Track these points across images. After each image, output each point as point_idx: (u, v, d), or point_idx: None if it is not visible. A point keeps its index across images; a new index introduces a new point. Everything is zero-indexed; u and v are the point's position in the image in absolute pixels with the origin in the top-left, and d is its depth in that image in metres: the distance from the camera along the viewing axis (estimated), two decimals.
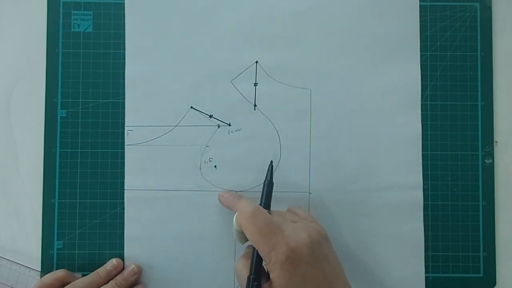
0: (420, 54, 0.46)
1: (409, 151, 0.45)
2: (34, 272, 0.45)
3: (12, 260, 0.45)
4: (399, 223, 0.45)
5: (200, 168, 0.45)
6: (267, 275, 0.36)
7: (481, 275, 0.45)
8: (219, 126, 0.45)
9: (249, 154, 0.45)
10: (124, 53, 0.45)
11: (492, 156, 0.46)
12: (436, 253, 0.45)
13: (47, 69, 0.46)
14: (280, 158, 0.45)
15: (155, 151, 0.45)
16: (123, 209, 0.45)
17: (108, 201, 0.45)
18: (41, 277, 0.44)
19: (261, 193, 0.41)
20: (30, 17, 0.46)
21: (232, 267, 0.44)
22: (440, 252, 0.45)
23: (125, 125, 0.45)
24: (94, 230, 0.45)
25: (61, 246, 0.45)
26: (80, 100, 0.46)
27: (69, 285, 0.41)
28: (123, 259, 0.44)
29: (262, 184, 0.41)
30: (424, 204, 0.45)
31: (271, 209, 0.40)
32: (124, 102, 0.45)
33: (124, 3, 0.46)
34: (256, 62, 0.45)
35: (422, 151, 0.45)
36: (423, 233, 0.45)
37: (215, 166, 0.45)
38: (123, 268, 0.44)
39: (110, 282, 0.43)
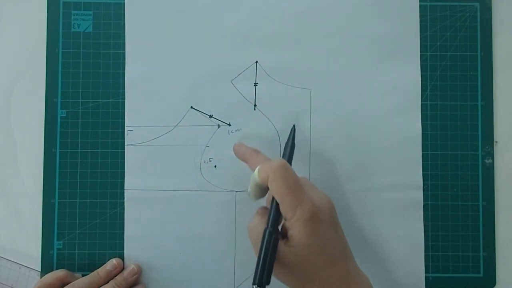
0: (420, 54, 0.46)
1: (409, 151, 0.45)
2: (34, 272, 0.45)
3: (12, 260, 0.45)
4: (399, 223, 0.45)
5: (200, 168, 0.45)
6: (282, 234, 0.36)
7: (481, 275, 0.45)
8: (219, 126, 0.45)
9: None
10: (124, 53, 0.45)
11: (492, 156, 0.46)
12: (436, 253, 0.45)
13: (47, 69, 0.46)
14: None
15: (155, 151, 0.45)
16: (123, 209, 0.45)
17: (108, 201, 0.45)
18: (41, 277, 0.44)
19: (282, 153, 0.41)
20: (30, 17, 0.46)
21: (232, 267, 0.44)
22: (440, 252, 0.45)
23: (125, 125, 0.45)
24: (94, 230, 0.45)
25: (61, 246, 0.45)
26: (80, 100, 0.46)
27: (69, 285, 0.41)
28: (123, 259, 0.44)
29: (284, 146, 0.41)
30: (424, 204, 0.45)
31: None
32: (124, 102, 0.45)
33: (124, 3, 0.46)
34: (256, 62, 0.45)
35: (422, 151, 0.45)
36: (423, 233, 0.45)
37: (215, 166, 0.45)
38: (123, 268, 0.44)
39: (110, 282, 0.43)
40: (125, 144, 0.45)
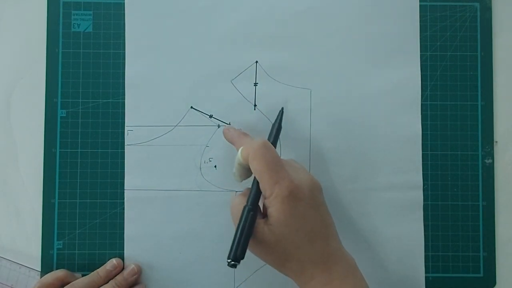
0: (420, 54, 0.46)
1: (409, 151, 0.45)
2: (34, 272, 0.45)
3: (12, 260, 0.45)
4: (399, 223, 0.45)
5: (200, 168, 0.45)
6: (263, 214, 0.36)
7: (481, 275, 0.45)
8: (219, 126, 0.45)
9: None
10: (124, 53, 0.45)
11: (492, 156, 0.46)
12: (436, 253, 0.45)
13: (47, 69, 0.46)
14: None
15: (155, 151, 0.45)
16: (123, 209, 0.45)
17: (108, 201, 0.45)
18: (41, 277, 0.44)
19: (269, 134, 0.41)
20: (30, 17, 0.46)
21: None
22: (440, 252, 0.45)
23: (125, 125, 0.45)
24: (94, 230, 0.45)
25: (61, 246, 0.45)
26: (80, 100, 0.46)
27: (69, 285, 0.41)
28: (123, 259, 0.44)
29: (271, 127, 0.42)
30: (424, 204, 0.45)
31: None
32: (124, 102, 0.45)
33: (124, 3, 0.46)
34: (256, 62, 0.45)
35: (422, 151, 0.45)
36: (423, 233, 0.45)
37: (215, 166, 0.45)
38: (123, 268, 0.44)
39: (110, 282, 0.43)
40: (125, 144, 0.45)
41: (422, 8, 0.46)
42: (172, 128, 0.45)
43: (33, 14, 0.46)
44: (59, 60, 0.46)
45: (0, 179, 0.46)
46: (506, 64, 0.46)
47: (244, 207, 0.36)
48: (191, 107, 0.45)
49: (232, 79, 0.45)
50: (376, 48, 0.46)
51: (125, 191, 0.45)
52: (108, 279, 0.43)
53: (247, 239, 0.35)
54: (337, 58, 0.46)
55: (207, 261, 0.44)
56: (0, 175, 0.46)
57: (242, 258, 0.34)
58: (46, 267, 0.45)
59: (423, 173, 0.45)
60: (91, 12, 0.46)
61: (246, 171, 0.39)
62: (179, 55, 0.45)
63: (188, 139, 0.45)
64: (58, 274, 0.43)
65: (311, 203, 0.36)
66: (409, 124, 0.45)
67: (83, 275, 0.43)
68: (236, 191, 0.44)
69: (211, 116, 0.45)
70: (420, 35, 0.46)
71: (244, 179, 0.40)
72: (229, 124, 0.45)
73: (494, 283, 0.45)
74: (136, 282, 0.44)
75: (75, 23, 0.46)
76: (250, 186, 0.39)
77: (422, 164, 0.45)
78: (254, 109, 0.45)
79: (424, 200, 0.45)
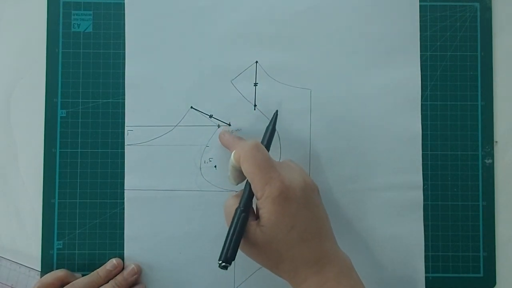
0: (420, 54, 0.46)
1: (409, 151, 0.45)
2: (34, 272, 0.45)
3: (12, 260, 0.45)
4: (399, 223, 0.45)
5: (200, 168, 0.45)
6: (255, 216, 0.36)
7: (481, 275, 0.45)
8: (219, 126, 0.45)
9: None
10: (124, 53, 0.45)
11: (492, 156, 0.46)
12: (436, 253, 0.45)
13: (47, 69, 0.46)
14: (280, 158, 0.45)
15: (155, 151, 0.45)
16: (123, 209, 0.45)
17: (108, 201, 0.45)
18: (41, 277, 0.44)
19: (262, 136, 0.41)
20: (30, 17, 0.46)
21: (232, 267, 0.44)
22: (440, 252, 0.45)
23: (125, 125, 0.45)
24: (94, 230, 0.45)
25: (61, 246, 0.45)
26: (80, 100, 0.46)
27: (69, 285, 0.41)
28: (123, 259, 0.44)
29: (265, 129, 0.42)
30: (424, 204, 0.45)
31: None
32: (124, 102, 0.45)
33: (124, 3, 0.46)
34: (256, 62, 0.45)
35: (422, 151, 0.45)
36: (423, 233, 0.45)
37: (215, 166, 0.45)
38: (123, 268, 0.44)
39: (110, 282, 0.43)
40: (125, 144, 0.45)
41: (422, 8, 0.46)
42: (172, 128, 0.45)
43: (33, 14, 0.46)
44: (59, 60, 0.46)
45: (0, 179, 0.46)
46: (506, 64, 0.46)
47: (236, 209, 0.36)
48: (191, 107, 0.45)
49: (232, 79, 0.45)
50: (376, 48, 0.46)
51: (125, 191, 0.45)
52: (108, 279, 0.43)
53: (238, 241, 0.35)
54: (337, 58, 0.46)
55: (207, 261, 0.44)
56: (0, 175, 0.46)
57: (233, 259, 0.35)
58: (46, 267, 0.45)
59: (423, 173, 0.45)
60: (91, 12, 0.46)
61: (240, 174, 0.38)
62: (179, 55, 0.45)
63: (188, 139, 0.45)
64: (58, 274, 0.43)
65: (303, 202, 0.36)
66: (409, 124, 0.45)
67: (83, 275, 0.43)
68: (236, 191, 0.44)
69: (211, 116, 0.45)
70: (420, 35, 0.46)
71: (239, 182, 0.40)
72: (229, 124, 0.45)
73: (494, 283, 0.45)
74: (136, 282, 0.44)
75: (75, 23, 0.46)
76: None
77: (422, 164, 0.45)
78: (254, 109, 0.45)
79: (424, 200, 0.45)
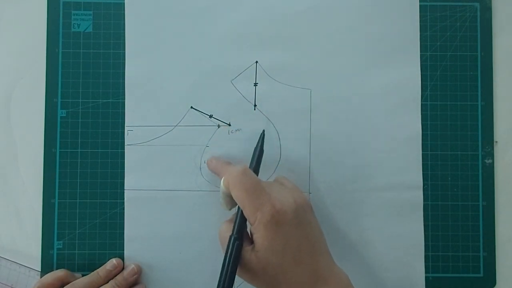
0: (420, 54, 0.46)
1: (409, 151, 0.45)
2: (34, 272, 0.45)
3: (12, 260, 0.45)
4: (399, 223, 0.45)
5: (200, 168, 0.45)
6: (250, 240, 0.36)
7: (481, 275, 0.45)
8: (219, 126, 0.45)
9: (249, 154, 0.45)
10: (124, 53, 0.45)
11: (492, 156, 0.46)
12: (436, 253, 0.45)
13: (47, 69, 0.46)
14: (280, 158, 0.45)
15: (155, 151, 0.45)
16: (123, 209, 0.45)
17: (108, 201, 0.45)
18: (41, 277, 0.44)
19: (251, 159, 0.41)
20: (30, 17, 0.46)
21: None
22: (440, 252, 0.45)
23: (125, 125, 0.45)
24: (94, 230, 0.45)
25: (61, 246, 0.45)
26: (80, 100, 0.46)
27: (69, 285, 0.41)
28: (123, 259, 0.44)
29: (253, 151, 0.42)
30: (424, 204, 0.45)
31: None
32: (124, 102, 0.45)
33: (124, 3, 0.46)
34: (256, 62, 0.45)
35: (422, 151, 0.45)
36: (423, 233, 0.45)
37: None
38: (123, 268, 0.44)
39: (110, 282, 0.43)
40: (125, 144, 0.45)
41: (422, 8, 0.46)
42: (172, 128, 0.45)
43: (33, 14, 0.46)
44: (59, 60, 0.46)
45: (0, 179, 0.46)
46: (506, 64, 0.46)
47: (230, 236, 0.36)
48: (191, 107, 0.45)
49: (232, 79, 0.45)
50: (376, 48, 0.46)
51: (125, 191, 0.45)
52: (108, 279, 0.43)
53: (234, 270, 0.35)
54: (337, 58, 0.46)
55: (207, 261, 0.44)
56: (0, 175, 0.46)
57: None
58: (46, 267, 0.45)
59: (423, 173, 0.45)
60: (91, 12, 0.46)
61: (232, 200, 0.38)
62: (179, 55, 0.45)
63: (188, 139, 0.45)
64: (58, 274, 0.43)
65: (296, 223, 0.36)
66: (409, 124, 0.45)
67: (83, 275, 0.43)
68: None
69: (211, 116, 0.45)
70: (420, 35, 0.46)
71: (232, 207, 0.40)
72: (229, 124, 0.45)
73: (494, 283, 0.45)
74: (136, 282, 0.44)
75: (75, 23, 0.46)
76: None
77: (422, 164, 0.45)
78: (254, 109, 0.45)
79: (424, 200, 0.45)
